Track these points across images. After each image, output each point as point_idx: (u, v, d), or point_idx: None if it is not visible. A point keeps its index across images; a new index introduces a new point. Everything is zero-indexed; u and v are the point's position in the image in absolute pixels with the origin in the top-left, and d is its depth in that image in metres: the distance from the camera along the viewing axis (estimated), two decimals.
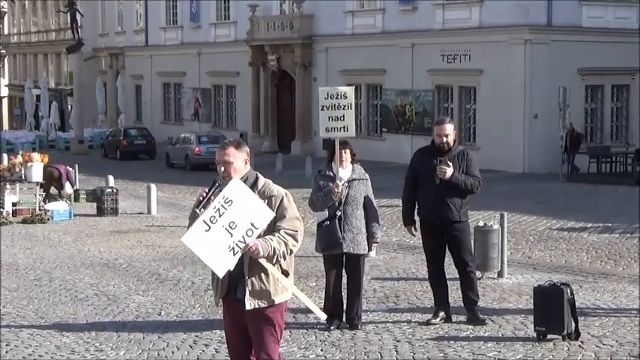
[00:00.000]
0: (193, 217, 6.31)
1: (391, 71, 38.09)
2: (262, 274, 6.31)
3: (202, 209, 6.21)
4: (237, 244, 6.10)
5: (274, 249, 6.20)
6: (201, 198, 6.27)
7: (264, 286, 6.32)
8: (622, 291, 12.07)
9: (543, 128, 32.05)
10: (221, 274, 6.18)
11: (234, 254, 6.11)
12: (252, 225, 6.13)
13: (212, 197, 6.21)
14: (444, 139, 9.93)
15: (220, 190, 6.21)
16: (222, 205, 6.12)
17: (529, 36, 32.81)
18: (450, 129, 9.97)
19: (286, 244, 6.26)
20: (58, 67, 66.78)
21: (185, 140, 39.37)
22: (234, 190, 6.17)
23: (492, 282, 12.64)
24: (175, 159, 39.09)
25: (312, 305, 6.53)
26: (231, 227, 6.10)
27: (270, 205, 6.29)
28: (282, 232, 6.27)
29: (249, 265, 6.27)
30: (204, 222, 6.11)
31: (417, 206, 10.24)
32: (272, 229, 6.27)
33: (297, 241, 6.33)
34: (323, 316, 6.84)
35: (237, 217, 6.11)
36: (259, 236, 6.17)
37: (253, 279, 6.30)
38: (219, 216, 6.10)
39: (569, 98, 30.20)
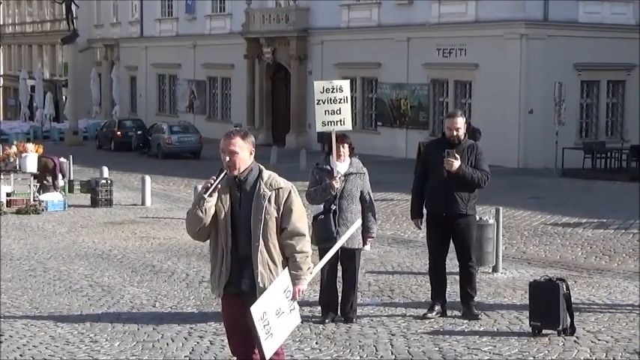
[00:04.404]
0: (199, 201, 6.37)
1: (387, 65, 38.04)
2: (270, 265, 6.34)
3: (209, 196, 6.26)
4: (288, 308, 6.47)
5: (308, 269, 6.47)
6: (209, 185, 6.27)
7: (273, 278, 6.34)
8: (617, 287, 12.08)
9: (538, 123, 32.05)
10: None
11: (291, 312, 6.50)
12: (285, 292, 6.40)
13: (219, 184, 6.26)
14: (455, 133, 9.94)
15: (225, 177, 6.30)
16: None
17: (525, 31, 32.77)
18: (461, 122, 9.97)
19: (306, 258, 6.46)
20: (53, 57, 66.64)
21: (157, 129, 39.76)
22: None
23: (487, 276, 12.63)
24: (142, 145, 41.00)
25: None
26: (276, 314, 6.34)
27: (277, 196, 6.33)
28: (294, 256, 6.41)
29: (258, 256, 6.29)
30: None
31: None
32: (279, 226, 6.33)
33: (306, 248, 6.48)
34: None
35: (275, 302, 6.37)
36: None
37: (262, 270, 6.31)
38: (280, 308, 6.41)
39: (564, 93, 30.20)
